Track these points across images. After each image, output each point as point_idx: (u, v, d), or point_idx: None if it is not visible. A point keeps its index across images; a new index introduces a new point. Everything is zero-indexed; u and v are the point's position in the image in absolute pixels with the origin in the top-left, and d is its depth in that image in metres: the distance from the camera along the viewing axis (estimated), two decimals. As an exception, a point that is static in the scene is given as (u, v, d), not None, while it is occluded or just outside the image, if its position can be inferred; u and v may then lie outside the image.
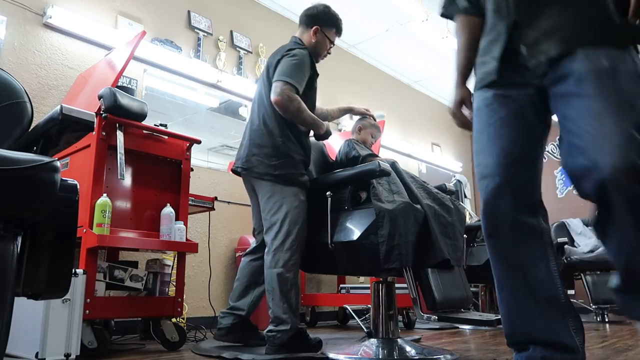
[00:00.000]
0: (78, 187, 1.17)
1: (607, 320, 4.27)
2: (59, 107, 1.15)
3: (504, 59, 1.29)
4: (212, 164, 3.66)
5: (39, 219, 1.08)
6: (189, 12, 3.70)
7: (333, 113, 2.60)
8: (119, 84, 2.41)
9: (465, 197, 5.66)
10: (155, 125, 2.40)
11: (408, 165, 5.38)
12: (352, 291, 3.81)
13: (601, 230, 1.13)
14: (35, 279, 1.10)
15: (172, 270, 2.46)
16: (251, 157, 2.15)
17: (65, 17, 2.94)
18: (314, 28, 2.30)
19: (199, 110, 3.73)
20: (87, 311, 1.95)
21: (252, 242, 2.39)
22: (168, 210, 2.30)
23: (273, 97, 2.08)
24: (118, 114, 2.18)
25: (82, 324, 1.90)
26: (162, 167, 2.40)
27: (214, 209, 2.89)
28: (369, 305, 2.70)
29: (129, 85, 3.03)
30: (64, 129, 1.17)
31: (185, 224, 2.36)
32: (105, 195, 2.09)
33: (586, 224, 4.78)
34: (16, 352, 1.82)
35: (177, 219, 2.33)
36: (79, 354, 1.86)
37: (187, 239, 2.35)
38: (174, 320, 2.31)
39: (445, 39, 4.75)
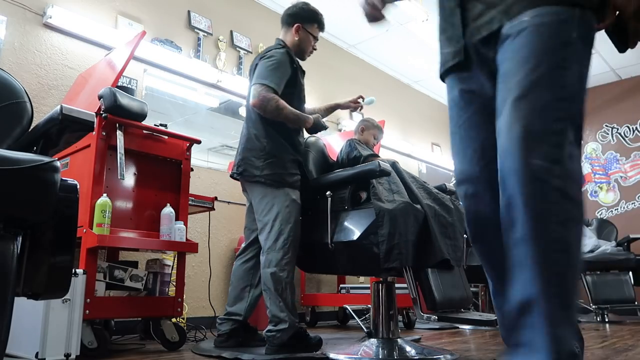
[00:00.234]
0: (78, 187, 1.17)
1: (607, 320, 4.28)
2: (59, 107, 1.15)
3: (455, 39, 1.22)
4: (212, 164, 3.66)
5: (39, 218, 1.08)
6: (189, 12, 3.70)
7: (320, 112, 2.53)
8: (119, 84, 2.41)
9: (465, 197, 5.65)
10: (155, 125, 2.40)
11: (408, 165, 5.38)
12: (352, 291, 3.81)
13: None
14: (35, 279, 1.10)
15: (172, 270, 2.46)
16: (242, 161, 2.18)
17: (65, 17, 2.94)
18: (295, 26, 2.30)
19: (199, 110, 3.73)
20: (87, 311, 1.95)
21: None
22: (168, 210, 2.30)
23: (251, 100, 2.11)
24: (118, 114, 2.18)
25: (82, 324, 1.90)
26: (162, 167, 2.40)
27: (214, 209, 2.89)
28: (369, 305, 2.70)
29: (129, 85, 3.03)
30: (64, 129, 1.18)
31: (185, 224, 2.36)
32: (105, 195, 2.09)
33: (586, 224, 4.78)
34: (16, 352, 1.82)
35: (177, 219, 2.34)
36: (79, 354, 1.86)
37: (187, 239, 2.35)
38: (174, 320, 2.31)
39: (445, 39, 4.74)
